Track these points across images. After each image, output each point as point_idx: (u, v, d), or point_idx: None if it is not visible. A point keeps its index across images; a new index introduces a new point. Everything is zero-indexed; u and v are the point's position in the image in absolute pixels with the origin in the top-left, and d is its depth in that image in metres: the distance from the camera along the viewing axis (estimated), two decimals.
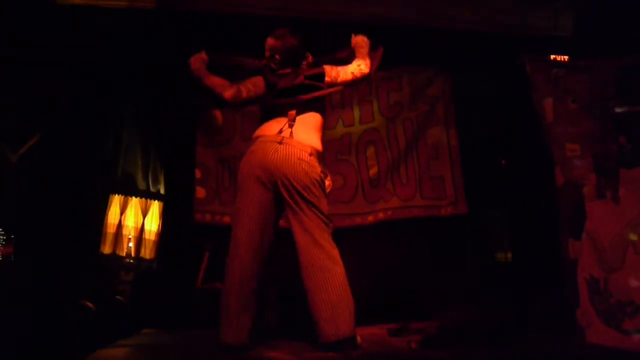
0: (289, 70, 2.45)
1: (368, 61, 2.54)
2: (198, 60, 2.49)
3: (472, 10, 3.68)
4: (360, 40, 2.59)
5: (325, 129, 2.50)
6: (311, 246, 2.19)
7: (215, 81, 2.42)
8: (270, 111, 2.40)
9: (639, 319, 2.45)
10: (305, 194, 2.22)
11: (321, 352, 2.14)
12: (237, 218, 2.28)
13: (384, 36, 3.66)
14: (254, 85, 2.42)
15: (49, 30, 3.17)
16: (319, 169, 2.32)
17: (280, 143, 2.28)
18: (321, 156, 2.45)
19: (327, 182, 2.35)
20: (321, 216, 2.24)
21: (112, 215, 3.25)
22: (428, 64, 3.85)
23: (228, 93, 2.37)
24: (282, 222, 2.57)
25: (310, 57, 2.55)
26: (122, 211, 3.26)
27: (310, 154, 2.31)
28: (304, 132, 2.34)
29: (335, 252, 2.21)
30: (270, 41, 2.49)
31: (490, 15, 3.70)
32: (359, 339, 2.19)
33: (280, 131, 2.32)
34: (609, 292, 2.54)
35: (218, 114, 3.61)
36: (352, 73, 2.49)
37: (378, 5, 3.60)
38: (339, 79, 2.47)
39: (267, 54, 2.49)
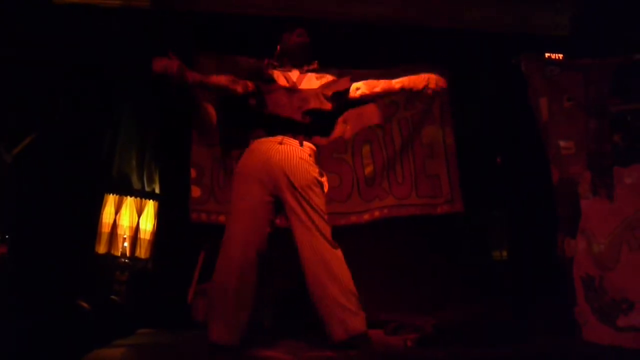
0: (294, 71, 2.54)
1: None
2: (176, 66, 2.30)
3: (470, 10, 3.70)
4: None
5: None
6: (314, 244, 2.19)
7: (221, 79, 2.45)
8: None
9: (632, 316, 2.46)
10: (307, 193, 2.23)
11: (321, 350, 2.14)
12: (235, 217, 2.26)
13: (381, 35, 3.71)
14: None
15: (45, 29, 3.16)
16: (317, 168, 2.34)
17: (280, 143, 2.30)
18: (318, 156, 2.47)
19: (324, 183, 2.37)
20: (322, 215, 2.25)
21: (107, 214, 3.22)
22: (424, 62, 3.85)
23: (240, 87, 2.44)
24: (278, 222, 2.56)
25: (316, 63, 2.65)
26: (117, 211, 3.24)
27: (310, 155, 2.34)
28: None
29: (338, 250, 2.23)
30: (294, 38, 2.55)
31: (487, 15, 3.72)
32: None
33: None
34: (604, 290, 2.55)
35: (213, 111, 3.61)
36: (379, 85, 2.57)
37: (377, 4, 3.61)
38: (375, 89, 2.56)
39: (283, 49, 2.58)
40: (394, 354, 2.21)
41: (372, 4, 3.60)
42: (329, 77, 2.61)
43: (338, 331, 2.11)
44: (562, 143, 2.79)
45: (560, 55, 3.19)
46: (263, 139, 2.34)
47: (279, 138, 2.32)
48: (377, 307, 3.04)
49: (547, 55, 3.23)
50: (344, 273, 2.20)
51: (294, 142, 2.32)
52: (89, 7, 3.33)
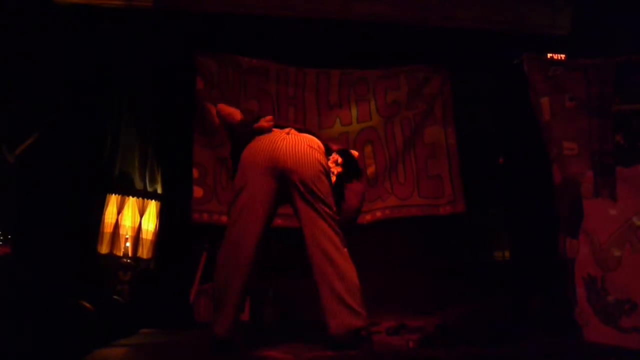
0: None
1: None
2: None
3: (471, 9, 3.69)
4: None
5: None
6: (321, 237, 2.14)
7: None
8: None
9: (635, 316, 2.46)
10: (316, 184, 2.16)
11: (322, 350, 2.14)
12: (242, 209, 2.16)
13: (382, 35, 3.70)
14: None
15: (47, 29, 3.16)
16: (325, 158, 2.28)
17: (288, 134, 2.25)
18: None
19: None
20: (329, 205, 2.19)
21: (109, 214, 3.23)
22: (426, 62, 3.86)
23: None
24: (279, 222, 2.55)
25: None
26: (119, 211, 3.24)
27: (318, 145, 2.29)
28: (306, 135, 2.32)
29: (344, 246, 2.18)
30: None
31: (488, 14, 3.71)
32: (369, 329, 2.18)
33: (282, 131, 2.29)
34: (606, 290, 2.55)
35: (214, 112, 3.61)
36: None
37: (377, 4, 3.60)
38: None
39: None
40: (395, 355, 2.21)
41: (371, 3, 3.60)
42: None
43: (336, 325, 2.08)
44: (565, 143, 2.78)
45: (563, 55, 3.18)
46: (268, 133, 2.28)
47: (287, 130, 2.28)
48: (379, 307, 3.05)
49: (549, 55, 3.23)
50: (349, 269, 2.16)
51: (302, 134, 2.29)
52: (91, 7, 3.33)
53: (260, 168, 2.17)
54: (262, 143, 2.21)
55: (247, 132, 2.33)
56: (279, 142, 2.20)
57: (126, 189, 3.37)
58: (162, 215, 3.40)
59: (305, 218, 2.18)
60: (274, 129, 2.30)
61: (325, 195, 2.20)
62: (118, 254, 3.22)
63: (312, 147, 2.23)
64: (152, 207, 3.37)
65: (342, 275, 2.13)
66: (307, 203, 2.16)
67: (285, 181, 2.18)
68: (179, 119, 3.58)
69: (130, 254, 3.24)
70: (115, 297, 3.00)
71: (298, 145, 2.21)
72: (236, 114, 2.48)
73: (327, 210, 2.18)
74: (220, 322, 2.10)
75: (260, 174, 2.17)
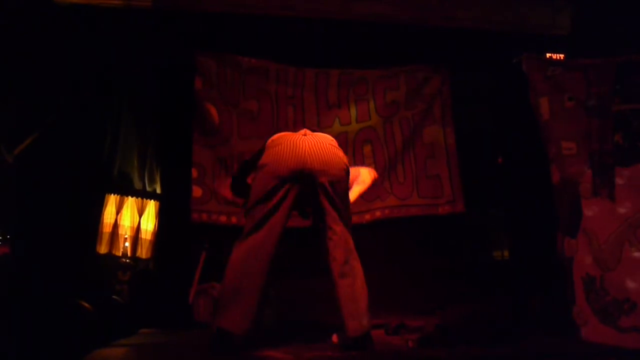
0: None
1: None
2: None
3: (471, 9, 3.69)
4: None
5: None
6: (341, 241, 2.17)
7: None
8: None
9: (635, 316, 2.45)
10: (341, 184, 2.18)
11: (322, 350, 2.14)
12: (268, 213, 2.14)
13: (382, 35, 3.71)
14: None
15: (47, 29, 3.16)
16: (345, 155, 2.30)
17: (304, 135, 2.24)
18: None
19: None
20: (348, 204, 2.24)
21: (108, 214, 3.23)
22: (426, 62, 3.86)
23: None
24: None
25: None
26: (118, 211, 3.25)
27: (336, 142, 2.30)
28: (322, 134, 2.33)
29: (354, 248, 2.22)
30: None
31: (488, 14, 3.71)
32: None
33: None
34: (605, 290, 2.54)
35: (214, 112, 3.61)
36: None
37: (377, 4, 3.61)
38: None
39: None
40: (395, 354, 2.21)
41: (371, 3, 3.60)
42: None
43: (354, 327, 2.10)
44: (563, 143, 2.78)
45: (562, 55, 3.18)
46: (284, 133, 2.28)
47: (302, 131, 2.28)
48: (379, 307, 3.04)
49: (548, 55, 3.23)
50: (360, 269, 2.20)
51: (319, 133, 2.30)
52: (91, 7, 3.33)
53: (286, 172, 2.15)
54: (283, 147, 2.19)
55: (248, 169, 2.38)
56: (300, 144, 2.19)
57: (125, 189, 3.37)
58: (161, 215, 3.40)
59: (331, 219, 2.19)
60: (287, 132, 2.30)
61: (346, 194, 2.25)
62: (117, 254, 3.23)
63: (333, 145, 2.26)
64: (151, 207, 3.37)
65: (355, 278, 2.17)
66: (333, 204, 2.18)
67: (312, 183, 2.17)
68: (179, 119, 3.59)
69: (129, 254, 3.24)
70: (114, 297, 3.00)
71: (320, 145, 2.21)
72: (225, 191, 2.63)
73: (348, 209, 2.23)
74: (233, 318, 2.07)
75: (286, 178, 2.15)
